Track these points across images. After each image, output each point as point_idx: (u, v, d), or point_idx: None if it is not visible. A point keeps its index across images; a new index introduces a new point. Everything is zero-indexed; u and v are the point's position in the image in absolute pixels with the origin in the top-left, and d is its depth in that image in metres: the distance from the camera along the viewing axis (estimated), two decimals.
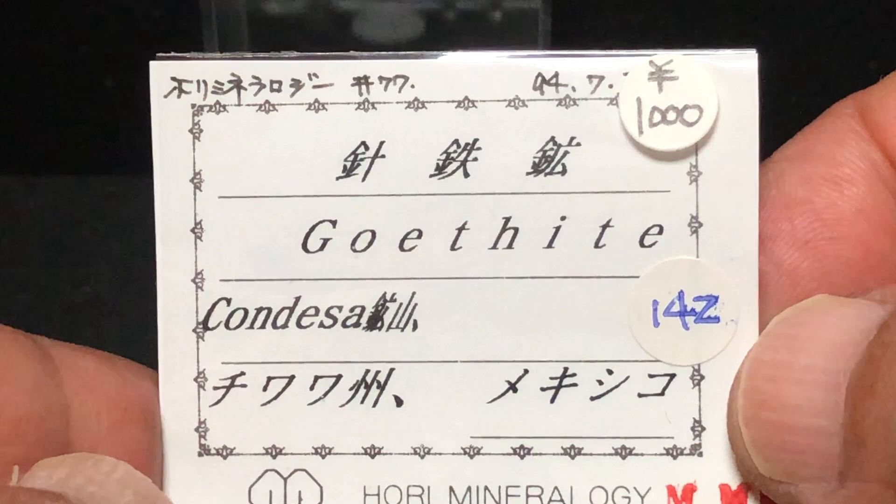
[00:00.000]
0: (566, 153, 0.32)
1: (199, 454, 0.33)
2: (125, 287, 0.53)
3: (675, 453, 0.32)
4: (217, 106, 0.33)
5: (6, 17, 0.55)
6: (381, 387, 0.33)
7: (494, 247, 0.32)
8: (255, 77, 0.33)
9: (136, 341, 0.51)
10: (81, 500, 0.30)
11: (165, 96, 0.33)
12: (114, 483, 0.31)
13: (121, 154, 0.57)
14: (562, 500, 0.32)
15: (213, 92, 0.33)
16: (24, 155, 0.57)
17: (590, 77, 0.32)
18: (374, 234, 0.33)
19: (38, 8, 0.55)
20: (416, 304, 0.33)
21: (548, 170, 0.32)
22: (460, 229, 0.32)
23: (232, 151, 0.33)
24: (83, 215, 0.56)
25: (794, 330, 0.31)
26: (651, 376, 0.32)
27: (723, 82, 0.32)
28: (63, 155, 0.57)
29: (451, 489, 0.33)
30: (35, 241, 0.55)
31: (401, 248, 0.32)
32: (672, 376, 0.32)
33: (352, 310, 0.33)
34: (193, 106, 0.33)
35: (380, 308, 0.33)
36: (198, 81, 0.33)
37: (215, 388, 0.33)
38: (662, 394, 0.32)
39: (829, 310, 0.30)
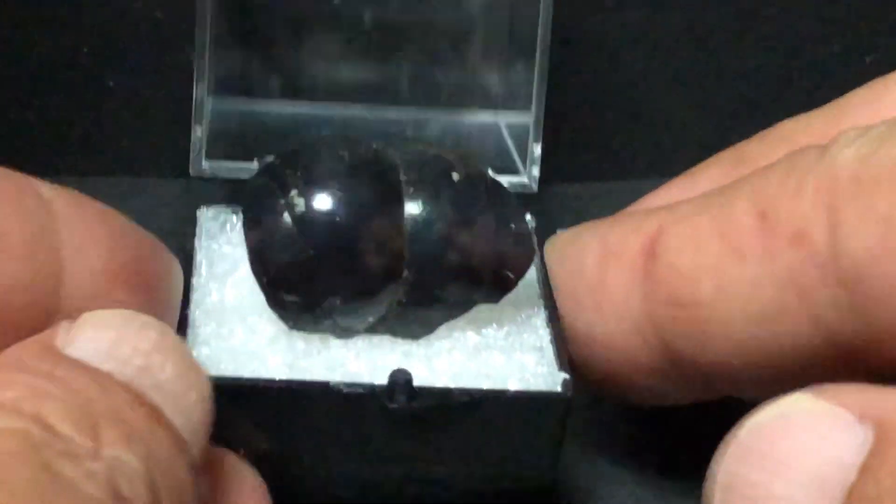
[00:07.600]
0: None
1: None
2: None
3: None
4: None
5: (6, 17, 0.55)
6: None
7: None
8: None
9: None
10: (124, 374, 0.28)
11: None
12: (157, 355, 0.29)
13: (121, 154, 0.57)
14: None
15: None
16: (25, 155, 0.57)
17: None
18: None
19: (38, 9, 0.54)
20: None
21: None
22: None
23: None
24: None
25: (770, 447, 0.28)
26: None
27: None
28: (64, 155, 0.57)
29: None
30: None
31: None
32: None
33: None
34: None
35: None
36: None
37: None
38: None
39: (806, 426, 0.28)
